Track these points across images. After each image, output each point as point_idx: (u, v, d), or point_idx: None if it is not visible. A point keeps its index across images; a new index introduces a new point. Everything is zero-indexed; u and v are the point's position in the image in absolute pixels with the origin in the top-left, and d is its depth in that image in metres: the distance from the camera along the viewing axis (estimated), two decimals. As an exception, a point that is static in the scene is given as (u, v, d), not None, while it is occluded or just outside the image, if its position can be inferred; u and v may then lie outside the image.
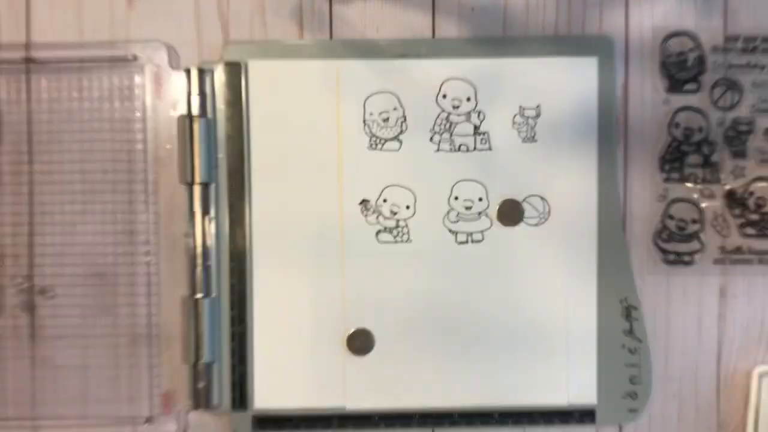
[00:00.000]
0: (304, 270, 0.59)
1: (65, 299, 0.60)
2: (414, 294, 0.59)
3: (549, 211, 0.58)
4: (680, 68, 0.58)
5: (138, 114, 0.59)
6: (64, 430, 0.60)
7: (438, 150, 0.58)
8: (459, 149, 0.58)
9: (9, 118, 0.59)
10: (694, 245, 0.59)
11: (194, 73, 0.57)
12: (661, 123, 0.59)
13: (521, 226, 0.58)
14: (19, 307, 0.60)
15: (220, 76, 0.58)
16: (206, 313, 0.58)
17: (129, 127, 0.59)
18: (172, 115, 0.59)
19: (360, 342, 0.59)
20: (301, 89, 0.58)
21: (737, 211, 0.59)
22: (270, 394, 0.59)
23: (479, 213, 0.58)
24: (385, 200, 0.58)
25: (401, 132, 0.58)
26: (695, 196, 0.59)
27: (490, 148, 0.58)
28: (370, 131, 0.58)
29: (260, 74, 0.58)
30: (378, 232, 0.59)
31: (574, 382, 0.59)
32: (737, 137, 0.58)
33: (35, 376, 0.60)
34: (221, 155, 0.58)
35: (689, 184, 0.59)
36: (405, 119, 0.58)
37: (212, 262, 0.58)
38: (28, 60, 0.59)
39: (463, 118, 0.58)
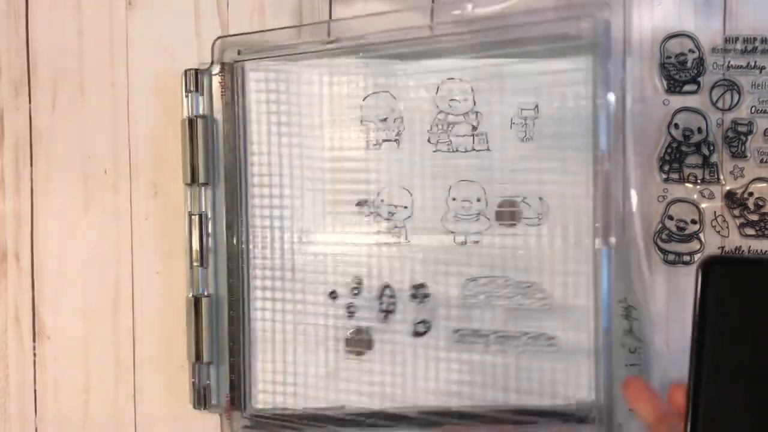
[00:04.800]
0: (302, 270, 0.59)
1: (65, 299, 0.60)
2: (412, 294, 0.59)
3: (547, 212, 0.58)
4: (680, 69, 0.58)
5: (142, 114, 0.60)
6: (65, 427, 0.61)
7: (436, 150, 0.58)
8: (457, 149, 0.58)
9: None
10: (694, 245, 0.59)
11: (193, 74, 0.57)
12: (661, 124, 0.58)
13: (519, 226, 0.58)
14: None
15: (219, 77, 0.58)
16: (206, 313, 0.58)
17: (132, 128, 0.60)
18: (173, 115, 0.59)
19: (359, 342, 0.59)
20: (300, 89, 0.58)
21: (737, 212, 0.58)
22: (269, 393, 0.59)
23: (477, 213, 0.58)
24: (383, 200, 0.58)
25: (399, 132, 0.58)
26: (695, 196, 0.59)
27: (488, 149, 0.58)
28: (369, 131, 0.58)
29: (259, 74, 0.58)
30: (377, 233, 0.59)
31: (573, 382, 0.59)
32: (737, 138, 0.58)
33: (36, 375, 0.61)
34: (220, 155, 0.58)
35: (689, 185, 0.59)
36: (403, 119, 0.58)
37: (211, 261, 0.58)
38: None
39: (461, 118, 0.58)
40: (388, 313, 0.59)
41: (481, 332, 0.59)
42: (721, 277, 0.37)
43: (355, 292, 0.59)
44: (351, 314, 0.59)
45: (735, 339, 0.38)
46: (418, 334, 0.59)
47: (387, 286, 0.59)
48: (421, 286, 0.59)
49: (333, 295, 0.59)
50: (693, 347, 0.38)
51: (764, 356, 0.37)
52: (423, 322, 0.59)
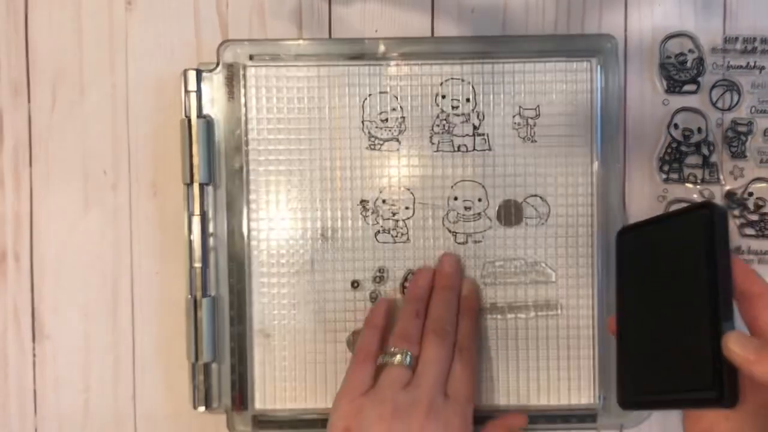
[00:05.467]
0: (303, 270, 0.59)
1: (65, 299, 0.60)
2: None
3: (549, 212, 0.58)
4: (679, 69, 0.58)
5: (141, 114, 0.60)
6: (65, 427, 0.61)
7: (437, 150, 0.58)
8: (458, 150, 0.58)
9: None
10: (694, 245, 0.59)
11: (193, 74, 0.57)
12: (661, 124, 0.59)
13: (521, 227, 0.59)
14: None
15: (219, 76, 0.58)
16: (206, 313, 0.58)
17: (132, 128, 0.60)
18: (172, 115, 0.59)
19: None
20: (300, 90, 0.58)
21: (737, 212, 0.59)
22: (270, 394, 0.59)
23: (479, 213, 0.58)
24: (384, 201, 0.58)
25: (400, 132, 0.58)
26: (695, 196, 0.59)
27: (489, 149, 0.58)
28: (369, 132, 0.58)
29: (259, 75, 0.58)
30: (377, 233, 0.59)
31: (574, 383, 0.59)
32: (736, 138, 0.58)
33: (36, 375, 0.61)
34: (220, 155, 0.58)
35: (689, 185, 0.59)
36: (404, 120, 0.58)
37: (212, 262, 0.58)
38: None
39: (462, 118, 0.58)
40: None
41: (497, 305, 0.59)
42: (627, 237, 0.54)
43: (378, 280, 0.59)
44: (374, 299, 0.59)
45: (638, 277, 0.52)
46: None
47: (411, 272, 0.59)
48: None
49: (355, 284, 0.59)
50: (616, 288, 0.54)
51: (655, 285, 0.50)
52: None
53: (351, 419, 0.50)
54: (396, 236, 0.59)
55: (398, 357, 0.52)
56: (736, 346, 0.43)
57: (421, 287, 0.57)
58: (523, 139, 0.58)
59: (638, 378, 0.51)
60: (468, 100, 0.58)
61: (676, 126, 0.58)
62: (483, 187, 0.58)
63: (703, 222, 0.47)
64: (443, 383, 0.52)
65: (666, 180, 0.59)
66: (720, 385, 0.44)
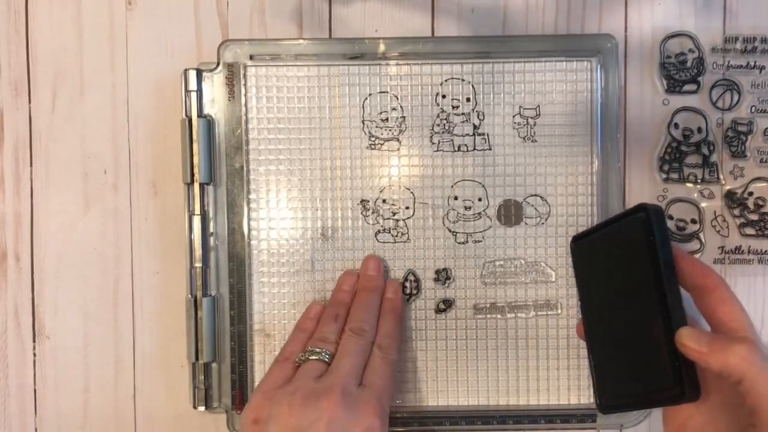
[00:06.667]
0: (303, 270, 0.59)
1: (65, 299, 0.60)
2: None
3: (549, 212, 0.58)
4: (679, 69, 0.58)
5: (141, 114, 0.60)
6: (65, 427, 0.61)
7: (437, 150, 0.58)
8: (458, 149, 0.58)
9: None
10: (694, 245, 0.59)
11: (193, 74, 0.57)
12: (661, 123, 0.59)
13: (521, 226, 0.59)
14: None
15: (219, 76, 0.58)
16: (206, 313, 0.58)
17: (132, 128, 0.60)
18: (173, 115, 0.59)
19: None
20: (301, 89, 0.58)
21: (737, 211, 0.59)
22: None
23: (479, 213, 0.58)
24: (384, 200, 0.58)
25: (400, 132, 0.58)
26: (695, 195, 0.59)
27: (489, 149, 0.58)
28: (369, 131, 0.58)
29: (259, 74, 0.58)
30: (377, 233, 0.59)
31: (574, 383, 0.59)
32: (736, 137, 0.58)
33: (36, 375, 0.61)
34: (221, 155, 0.58)
35: (689, 185, 0.59)
36: (404, 119, 0.58)
37: (212, 261, 0.58)
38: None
39: (462, 118, 0.58)
40: (411, 296, 0.59)
41: (497, 305, 0.59)
42: (579, 245, 0.55)
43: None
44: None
45: (594, 284, 0.54)
46: (440, 311, 0.59)
47: (411, 272, 0.59)
48: (444, 270, 0.59)
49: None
50: (578, 295, 0.56)
51: (609, 290, 0.52)
52: (445, 300, 0.59)
53: (261, 410, 0.50)
54: (396, 236, 0.59)
55: (315, 356, 0.53)
56: (689, 341, 0.45)
57: (344, 292, 0.58)
58: (523, 138, 0.58)
59: (611, 381, 0.53)
60: (468, 99, 0.58)
61: (676, 126, 0.58)
62: (483, 186, 0.58)
63: (641, 225, 0.48)
64: (358, 375, 0.52)
65: (666, 180, 0.59)
66: (680, 382, 0.46)
